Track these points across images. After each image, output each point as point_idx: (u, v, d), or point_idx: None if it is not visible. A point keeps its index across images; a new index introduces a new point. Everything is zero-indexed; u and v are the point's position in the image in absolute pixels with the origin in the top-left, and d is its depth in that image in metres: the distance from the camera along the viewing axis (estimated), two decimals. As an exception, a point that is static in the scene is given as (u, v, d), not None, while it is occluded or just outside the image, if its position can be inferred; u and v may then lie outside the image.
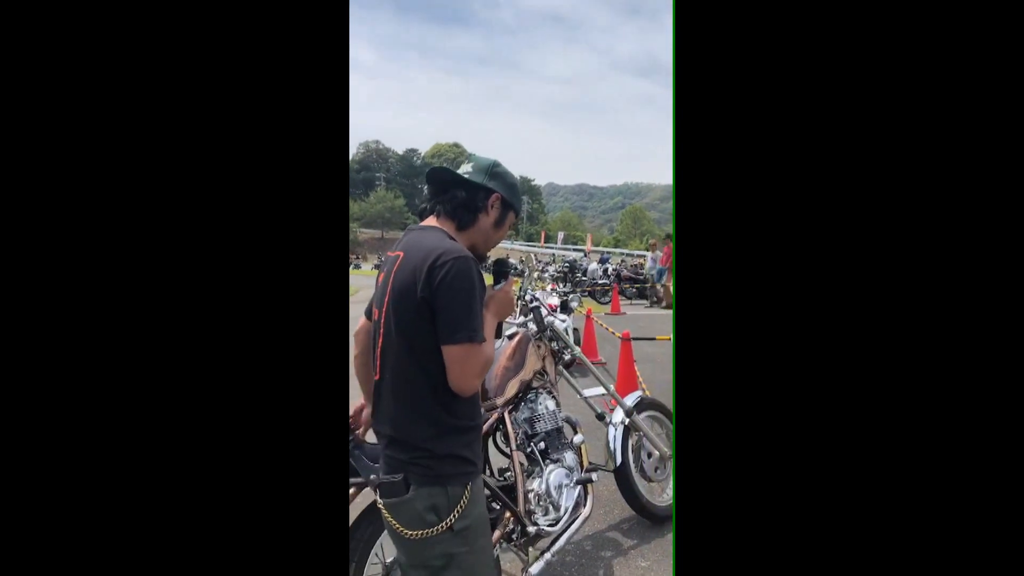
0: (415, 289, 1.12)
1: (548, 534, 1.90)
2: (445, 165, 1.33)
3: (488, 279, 1.30)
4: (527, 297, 2.26)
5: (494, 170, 1.28)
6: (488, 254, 1.39)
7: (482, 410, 1.90)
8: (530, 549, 1.88)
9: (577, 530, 2.02)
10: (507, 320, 2.26)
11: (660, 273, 11.50)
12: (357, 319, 1.39)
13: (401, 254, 1.20)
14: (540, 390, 2.16)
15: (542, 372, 2.19)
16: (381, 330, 1.20)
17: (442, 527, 1.13)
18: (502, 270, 1.40)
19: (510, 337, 2.17)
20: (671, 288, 10.73)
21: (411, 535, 1.13)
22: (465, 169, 1.28)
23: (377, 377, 1.22)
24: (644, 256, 12.57)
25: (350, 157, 76.72)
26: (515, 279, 1.34)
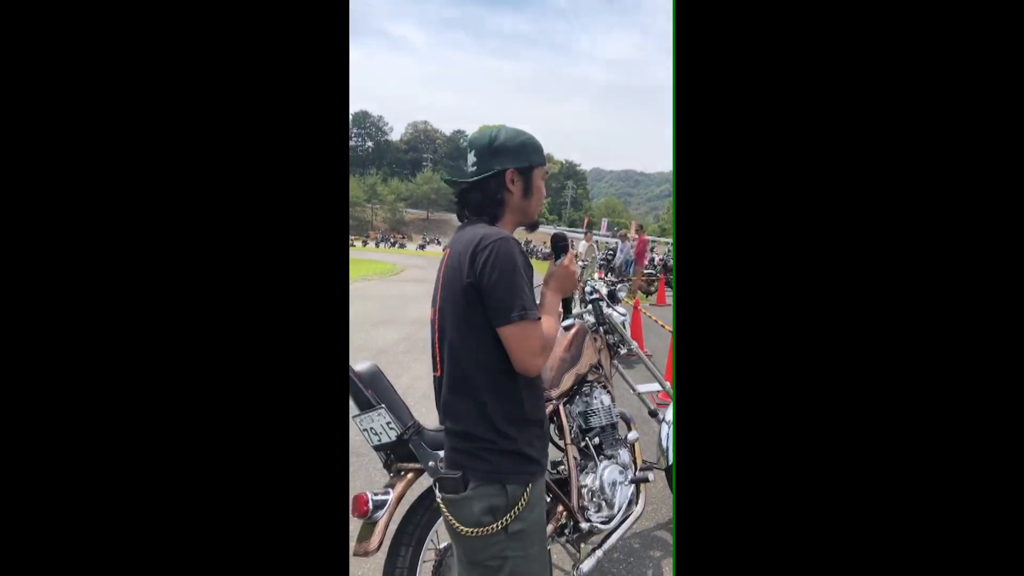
0: (461, 278, 1.12)
1: (600, 531, 1.87)
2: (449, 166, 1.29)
3: (539, 266, 1.28)
4: (587, 288, 2.21)
5: (494, 147, 1.20)
6: (539, 223, 1.36)
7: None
8: (582, 545, 1.86)
9: (628, 529, 1.98)
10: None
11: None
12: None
13: (448, 251, 1.22)
14: (595, 384, 2.12)
15: (598, 366, 2.14)
16: (437, 327, 1.21)
17: (496, 527, 1.12)
18: (560, 244, 1.33)
19: (566, 329, 2.13)
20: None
21: (466, 532, 1.14)
22: (471, 160, 1.22)
23: (438, 373, 1.22)
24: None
25: (399, 137, 77.77)
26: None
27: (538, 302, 1.20)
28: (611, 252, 13.89)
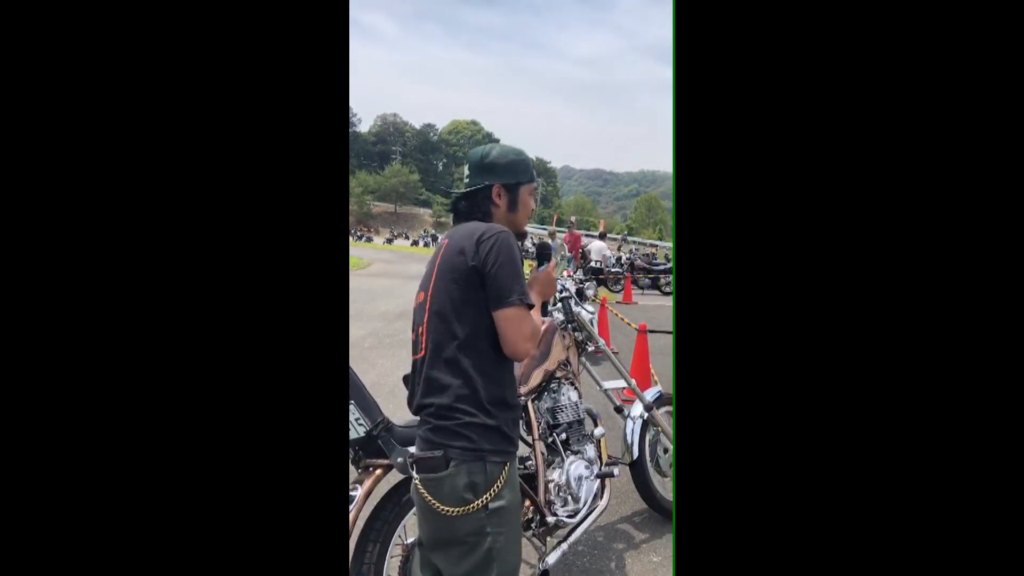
0: (464, 261, 1.19)
1: (566, 525, 1.91)
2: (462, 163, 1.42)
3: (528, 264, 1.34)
4: (556, 286, 2.24)
5: (484, 163, 1.32)
6: (528, 233, 1.44)
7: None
8: (547, 539, 1.89)
9: (593, 523, 2.02)
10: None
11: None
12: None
13: (447, 240, 1.28)
14: (563, 380, 2.15)
15: (566, 362, 2.17)
16: (428, 308, 1.25)
17: (478, 505, 1.15)
18: (544, 253, 1.45)
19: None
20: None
21: (448, 511, 1.15)
22: (465, 173, 1.35)
23: (422, 354, 1.24)
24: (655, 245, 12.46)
25: (367, 129, 76.41)
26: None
27: None
28: (580, 251, 14.02)
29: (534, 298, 1.29)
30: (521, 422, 2.04)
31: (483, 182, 1.30)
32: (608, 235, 13.52)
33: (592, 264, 11.76)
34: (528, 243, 10.61)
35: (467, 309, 1.19)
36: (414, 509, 1.61)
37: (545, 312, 1.51)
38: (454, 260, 1.21)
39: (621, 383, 2.52)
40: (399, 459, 1.55)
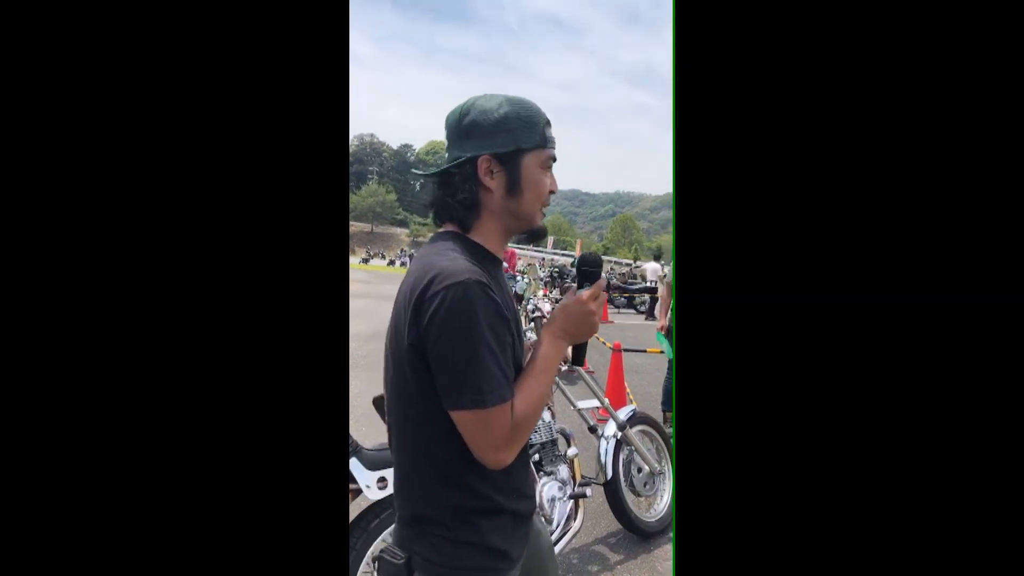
0: (402, 334, 0.82)
1: (539, 548, 1.89)
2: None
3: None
4: (529, 307, 2.25)
5: (463, 125, 0.87)
6: (547, 231, 1.00)
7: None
8: (520, 562, 1.86)
9: (567, 544, 2.01)
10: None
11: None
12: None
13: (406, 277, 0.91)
14: (536, 401, 2.15)
15: (539, 382, 2.17)
16: (387, 383, 0.90)
17: None
18: (588, 269, 0.94)
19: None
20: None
21: None
22: (447, 146, 0.93)
23: (388, 433, 0.96)
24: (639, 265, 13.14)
25: (343, 148, 76.29)
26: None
27: (533, 351, 0.88)
28: (556, 269, 14.13)
29: (551, 343, 0.87)
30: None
31: (464, 154, 0.86)
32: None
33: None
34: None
35: (419, 401, 0.83)
36: (384, 534, 1.58)
37: (578, 361, 1.03)
38: (396, 325, 0.85)
39: (595, 402, 2.52)
40: (367, 484, 1.52)
